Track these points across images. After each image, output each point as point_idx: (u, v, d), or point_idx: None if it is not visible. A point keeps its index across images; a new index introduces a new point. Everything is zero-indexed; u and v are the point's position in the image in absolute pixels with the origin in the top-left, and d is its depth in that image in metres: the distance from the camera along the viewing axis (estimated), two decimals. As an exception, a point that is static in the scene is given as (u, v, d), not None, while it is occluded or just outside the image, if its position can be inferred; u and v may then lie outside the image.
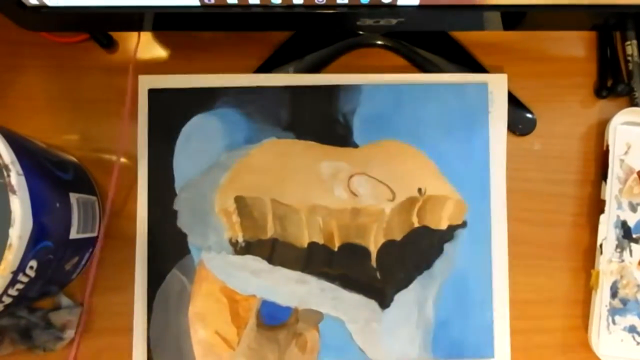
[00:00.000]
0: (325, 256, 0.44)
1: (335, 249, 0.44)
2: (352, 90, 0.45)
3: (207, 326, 0.44)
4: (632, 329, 0.44)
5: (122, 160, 0.46)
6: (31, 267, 0.35)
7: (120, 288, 0.45)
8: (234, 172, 0.45)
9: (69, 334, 0.44)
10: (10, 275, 0.33)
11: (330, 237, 0.45)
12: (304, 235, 0.44)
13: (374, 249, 0.44)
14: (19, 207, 0.33)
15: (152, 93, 0.46)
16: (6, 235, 0.32)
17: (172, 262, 0.44)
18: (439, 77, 0.46)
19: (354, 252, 0.44)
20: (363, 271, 0.44)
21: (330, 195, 0.45)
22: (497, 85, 0.46)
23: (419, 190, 0.45)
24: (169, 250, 0.44)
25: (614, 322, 0.44)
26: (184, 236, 0.44)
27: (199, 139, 0.45)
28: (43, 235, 0.35)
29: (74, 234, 0.40)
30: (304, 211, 0.44)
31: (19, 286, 0.35)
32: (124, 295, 0.45)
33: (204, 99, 0.45)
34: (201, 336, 0.44)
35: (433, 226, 0.45)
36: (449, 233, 0.45)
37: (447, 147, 0.45)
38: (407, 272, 0.44)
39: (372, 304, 0.44)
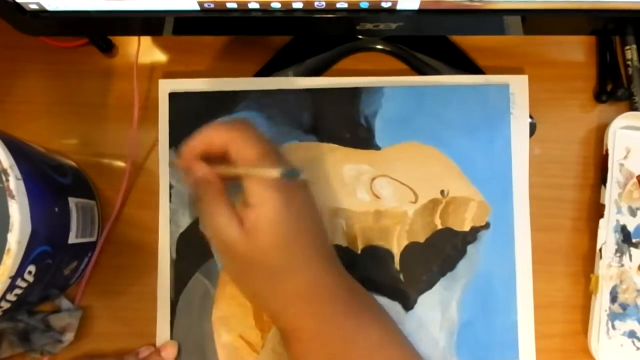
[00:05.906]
0: (349, 259, 0.44)
1: (359, 252, 0.44)
2: (374, 92, 0.45)
3: (231, 330, 0.44)
4: (632, 334, 0.44)
5: (123, 164, 0.46)
6: (30, 273, 0.35)
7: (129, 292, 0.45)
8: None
9: (69, 337, 0.43)
10: (9, 281, 0.33)
11: (353, 240, 0.44)
12: None
13: (397, 252, 0.44)
14: (18, 212, 0.33)
15: (173, 97, 0.45)
16: (4, 241, 0.32)
17: (195, 267, 0.44)
18: (460, 78, 0.46)
19: (377, 254, 0.44)
20: (386, 274, 0.44)
21: (353, 198, 0.44)
22: (518, 87, 0.45)
23: (442, 192, 0.44)
24: (193, 254, 0.44)
25: (614, 328, 0.44)
26: (207, 240, 0.43)
27: None
28: (42, 240, 0.35)
29: (73, 239, 0.40)
30: (327, 214, 0.44)
31: (18, 291, 0.35)
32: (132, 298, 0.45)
33: (226, 103, 0.45)
34: (225, 340, 0.44)
35: (456, 228, 0.44)
36: (472, 235, 0.44)
37: (469, 149, 0.45)
38: (431, 274, 0.44)
39: (396, 307, 0.44)
